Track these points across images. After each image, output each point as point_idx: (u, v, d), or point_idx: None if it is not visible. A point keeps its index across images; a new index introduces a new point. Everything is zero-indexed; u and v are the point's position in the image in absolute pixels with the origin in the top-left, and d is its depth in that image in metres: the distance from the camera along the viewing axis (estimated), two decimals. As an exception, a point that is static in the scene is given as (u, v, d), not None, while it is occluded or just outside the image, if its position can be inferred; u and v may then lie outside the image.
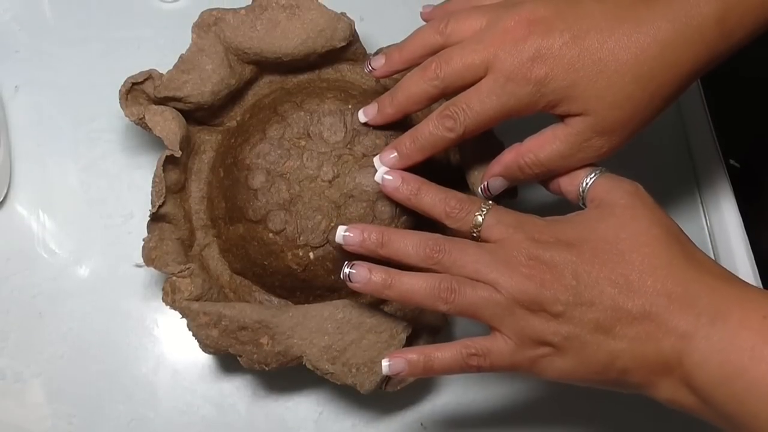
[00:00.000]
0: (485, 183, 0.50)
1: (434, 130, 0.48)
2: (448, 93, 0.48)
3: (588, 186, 0.46)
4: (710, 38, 0.45)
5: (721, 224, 0.62)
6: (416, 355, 0.45)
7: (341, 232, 0.46)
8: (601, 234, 0.43)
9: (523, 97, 0.46)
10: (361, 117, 0.52)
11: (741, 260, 0.60)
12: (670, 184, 0.63)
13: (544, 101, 0.46)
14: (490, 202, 0.47)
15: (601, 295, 0.42)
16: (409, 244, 0.45)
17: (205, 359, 0.55)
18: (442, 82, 0.47)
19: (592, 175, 0.46)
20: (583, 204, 0.47)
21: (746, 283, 0.43)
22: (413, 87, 0.48)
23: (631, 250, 0.42)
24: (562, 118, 0.47)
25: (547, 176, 0.49)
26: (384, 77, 0.52)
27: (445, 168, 0.55)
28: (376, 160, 0.50)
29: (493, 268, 0.43)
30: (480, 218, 0.46)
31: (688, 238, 0.44)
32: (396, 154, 0.49)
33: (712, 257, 0.61)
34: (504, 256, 0.43)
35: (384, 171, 0.48)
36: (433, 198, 0.47)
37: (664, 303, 0.41)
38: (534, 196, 0.57)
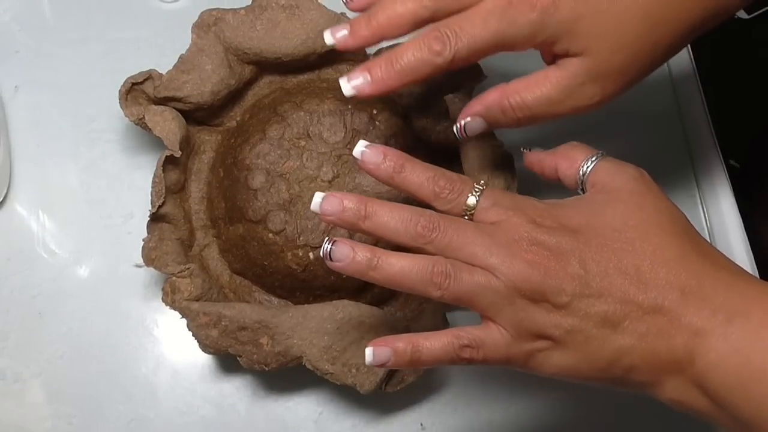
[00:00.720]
0: (462, 122, 0.46)
1: (418, 53, 0.42)
2: (438, 17, 0.43)
3: (589, 170, 0.43)
4: None
5: (721, 224, 0.62)
6: (403, 344, 0.40)
7: (317, 200, 0.41)
8: (609, 220, 0.40)
9: (524, 25, 0.42)
10: (327, 38, 0.45)
11: (741, 260, 0.60)
12: (670, 185, 0.63)
13: (545, 35, 0.42)
14: (483, 182, 0.42)
15: (611, 287, 0.38)
16: (397, 218, 0.40)
17: (204, 359, 0.55)
18: (434, 2, 0.42)
19: (593, 158, 0.43)
20: (582, 190, 0.44)
21: (761, 280, 0.41)
22: (399, 6, 0.42)
23: (642, 239, 0.39)
24: (555, 60, 0.44)
25: (530, 122, 0.44)
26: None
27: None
28: (342, 81, 0.44)
29: (493, 252, 0.39)
30: (473, 200, 0.41)
31: (696, 230, 0.42)
32: (368, 77, 0.43)
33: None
34: (504, 240, 0.39)
35: (363, 145, 0.42)
36: (419, 176, 0.42)
37: (677, 297, 0.38)
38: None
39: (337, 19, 0.54)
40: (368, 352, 0.41)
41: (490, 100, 0.45)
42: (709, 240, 0.62)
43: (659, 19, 0.42)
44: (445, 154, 0.55)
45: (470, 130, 0.46)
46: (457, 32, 0.42)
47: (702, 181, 0.64)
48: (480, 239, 0.40)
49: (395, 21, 0.43)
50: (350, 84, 0.43)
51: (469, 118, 0.46)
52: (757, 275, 0.60)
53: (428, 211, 0.41)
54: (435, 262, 0.39)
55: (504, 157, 0.52)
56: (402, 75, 0.43)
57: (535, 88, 0.43)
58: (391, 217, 0.40)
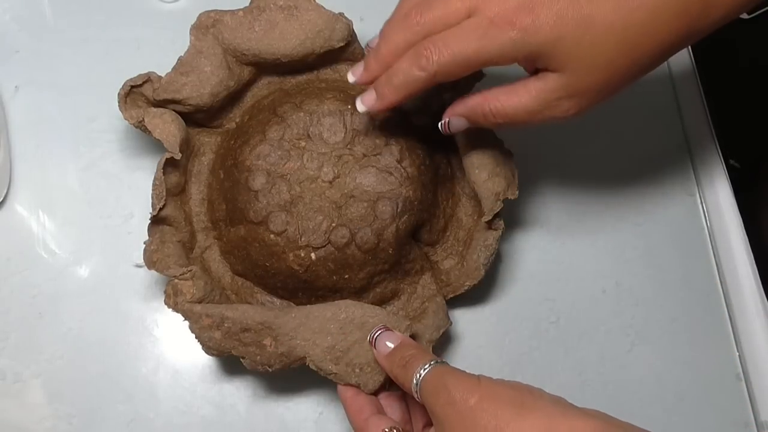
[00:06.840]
0: (446, 120, 0.49)
1: (407, 69, 0.46)
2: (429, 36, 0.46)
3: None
4: (694, 12, 0.44)
5: (721, 224, 0.62)
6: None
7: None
8: None
9: (505, 43, 0.44)
10: (350, 78, 0.50)
11: (741, 260, 0.60)
12: (670, 185, 0.63)
13: (525, 52, 0.44)
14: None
15: None
16: None
17: (205, 360, 0.55)
18: (423, 27, 0.46)
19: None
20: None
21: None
22: (394, 36, 0.47)
23: None
24: (536, 72, 0.46)
25: (508, 127, 0.48)
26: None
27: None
28: (357, 101, 0.49)
29: None
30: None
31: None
32: (374, 95, 0.48)
33: (712, 257, 0.61)
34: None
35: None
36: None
37: None
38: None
39: (335, 19, 0.54)
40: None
41: (473, 104, 0.48)
42: (709, 240, 0.62)
43: (634, 44, 0.44)
44: (445, 151, 0.55)
45: (453, 128, 0.49)
46: (441, 48, 0.45)
47: (702, 181, 0.64)
48: None
49: (394, 51, 0.47)
50: (363, 103, 0.49)
51: (453, 117, 0.49)
52: (757, 275, 0.60)
53: None
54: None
55: (504, 155, 0.53)
56: (398, 90, 0.47)
57: (515, 97, 0.46)
58: None
